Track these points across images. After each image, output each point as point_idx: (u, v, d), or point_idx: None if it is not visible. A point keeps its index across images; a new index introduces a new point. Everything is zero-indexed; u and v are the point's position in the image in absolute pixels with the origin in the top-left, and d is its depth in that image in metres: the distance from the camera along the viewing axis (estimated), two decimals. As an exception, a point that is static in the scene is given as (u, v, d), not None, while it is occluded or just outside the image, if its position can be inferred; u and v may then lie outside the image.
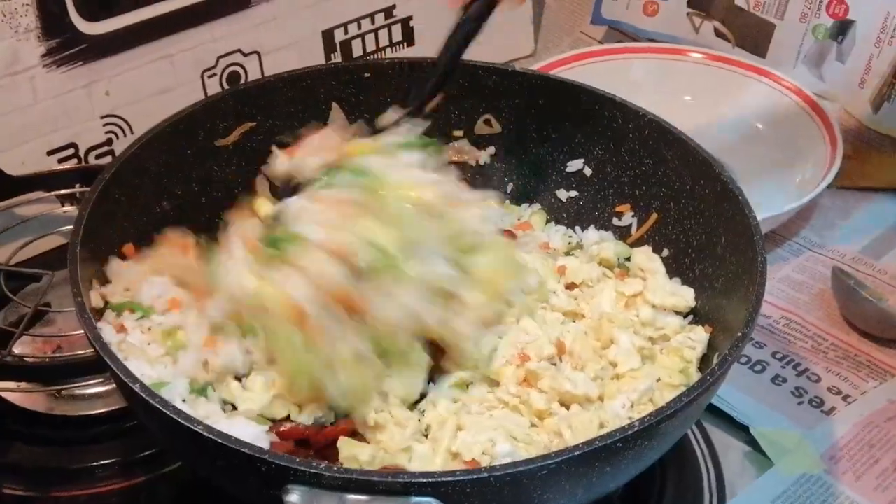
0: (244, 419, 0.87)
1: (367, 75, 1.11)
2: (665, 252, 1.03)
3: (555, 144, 1.10)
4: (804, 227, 1.31)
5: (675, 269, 1.02)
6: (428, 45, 1.47)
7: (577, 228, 1.10)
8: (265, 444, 0.84)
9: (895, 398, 1.08)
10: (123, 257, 0.97)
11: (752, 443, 1.03)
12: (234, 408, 0.90)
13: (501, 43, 1.52)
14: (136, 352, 0.89)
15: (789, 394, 1.09)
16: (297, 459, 0.74)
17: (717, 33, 1.51)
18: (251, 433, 0.84)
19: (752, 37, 1.49)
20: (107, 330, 0.90)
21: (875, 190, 1.36)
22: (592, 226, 1.09)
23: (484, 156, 1.13)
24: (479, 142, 1.13)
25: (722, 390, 1.03)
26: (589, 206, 1.10)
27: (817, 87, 1.42)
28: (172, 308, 0.93)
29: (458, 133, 1.13)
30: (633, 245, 1.05)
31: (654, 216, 1.04)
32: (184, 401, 0.87)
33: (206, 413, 0.86)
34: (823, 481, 0.99)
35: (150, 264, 0.97)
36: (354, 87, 1.11)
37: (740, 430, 1.05)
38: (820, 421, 1.06)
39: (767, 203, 1.16)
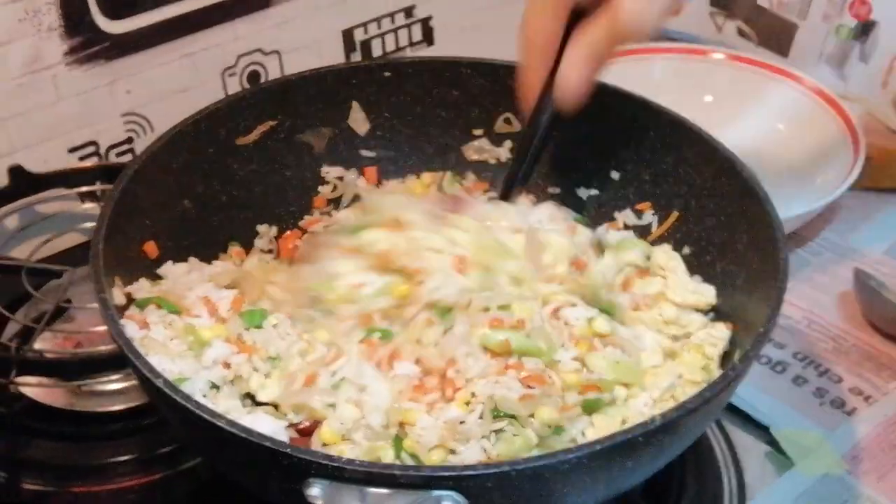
0: (263, 413, 0.87)
1: (387, 74, 1.11)
2: (686, 250, 1.03)
3: (575, 142, 1.09)
4: (826, 229, 1.30)
5: (696, 266, 1.01)
6: (447, 44, 1.47)
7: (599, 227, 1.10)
8: (285, 439, 0.84)
9: (918, 399, 1.07)
10: (145, 255, 0.98)
11: (773, 443, 1.03)
12: (255, 403, 0.90)
13: (521, 43, 1.51)
14: (158, 347, 0.89)
15: (810, 394, 1.08)
16: (319, 453, 0.74)
17: (740, 33, 1.51)
18: (271, 427, 0.84)
19: (775, 36, 1.49)
20: (129, 326, 0.90)
21: (897, 191, 1.35)
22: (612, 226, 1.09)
23: (504, 153, 1.12)
24: (499, 140, 1.13)
25: (743, 391, 1.03)
26: (609, 204, 1.09)
27: (839, 87, 1.42)
28: (232, 306, 0.94)
29: (478, 132, 1.13)
30: (653, 243, 1.05)
31: (675, 214, 1.04)
32: (204, 396, 0.87)
33: (227, 408, 0.86)
34: (845, 482, 0.99)
35: (208, 272, 0.99)
36: (375, 86, 1.11)
37: (761, 430, 1.04)
38: (841, 422, 1.05)
39: (789, 204, 1.15)
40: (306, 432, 0.88)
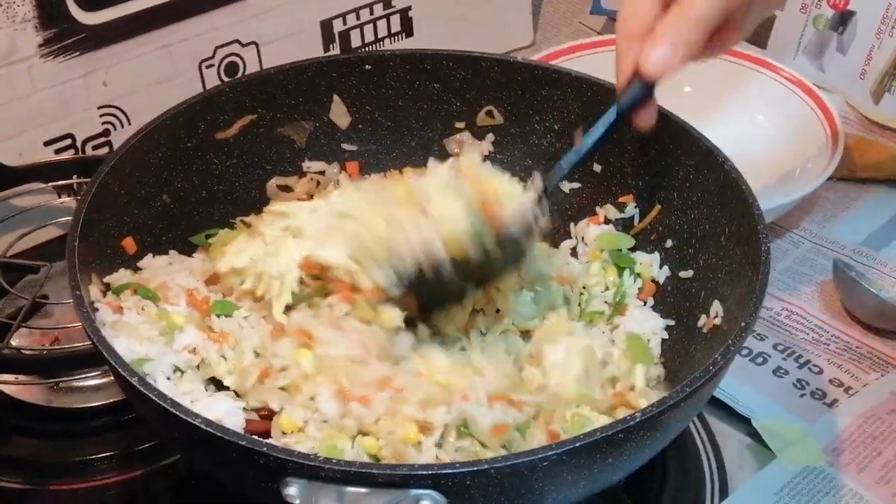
0: (223, 396, 0.87)
1: (368, 67, 1.10)
2: (668, 243, 1.02)
3: (557, 136, 1.09)
4: (805, 219, 1.30)
5: (678, 259, 1.01)
6: (426, 35, 1.46)
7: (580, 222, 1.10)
8: (241, 422, 0.84)
9: (897, 390, 1.07)
10: (123, 250, 0.97)
11: (754, 435, 1.03)
12: (221, 388, 0.90)
13: (500, 33, 1.51)
14: (128, 329, 0.89)
15: (791, 386, 1.09)
16: (296, 452, 0.73)
17: (718, 24, 1.51)
18: (227, 409, 0.85)
19: (753, 27, 1.48)
20: (103, 310, 0.90)
21: (876, 181, 1.35)
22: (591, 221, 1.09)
23: (486, 146, 1.12)
24: (481, 134, 1.12)
25: (723, 382, 1.02)
26: (592, 197, 1.09)
27: (818, 78, 1.42)
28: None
29: (460, 125, 1.12)
30: (636, 236, 1.05)
31: (658, 208, 1.04)
32: (168, 378, 0.87)
33: (188, 391, 0.86)
34: (826, 474, 0.99)
35: (188, 264, 0.99)
36: (356, 79, 1.10)
37: (742, 422, 1.05)
38: (822, 413, 1.05)
39: (768, 195, 1.15)
40: (268, 416, 0.89)
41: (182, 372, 0.89)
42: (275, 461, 0.72)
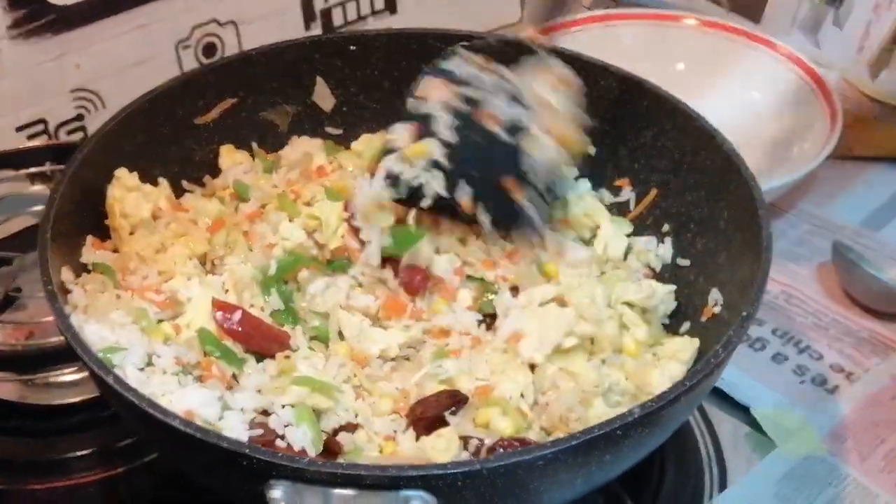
0: (197, 386, 0.84)
1: (352, 48, 1.07)
2: (666, 227, 1.00)
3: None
4: (802, 199, 1.27)
5: (676, 244, 0.99)
6: (410, 13, 1.42)
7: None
8: (216, 411, 0.81)
9: (899, 374, 1.05)
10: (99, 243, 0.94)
11: (753, 423, 1.01)
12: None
13: (487, 10, 1.48)
14: (98, 314, 0.86)
15: (791, 372, 1.06)
16: (281, 454, 0.71)
17: (711, -2, 1.48)
18: (199, 400, 0.81)
19: (746, 1, 1.45)
20: (76, 292, 0.88)
21: (874, 159, 1.32)
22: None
23: None
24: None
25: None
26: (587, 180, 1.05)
27: (813, 53, 1.38)
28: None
29: None
30: (632, 221, 1.02)
31: (654, 191, 1.01)
32: (141, 370, 0.84)
33: (161, 382, 0.83)
34: (828, 462, 0.97)
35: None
36: (340, 60, 1.07)
37: (740, 410, 1.02)
38: (823, 400, 1.03)
39: (765, 175, 1.12)
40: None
41: (154, 360, 0.86)
42: (258, 463, 0.69)
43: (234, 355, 0.86)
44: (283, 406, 0.82)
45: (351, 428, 0.83)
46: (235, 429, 0.79)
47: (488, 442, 0.81)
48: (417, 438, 0.83)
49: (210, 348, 0.86)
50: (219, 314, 0.88)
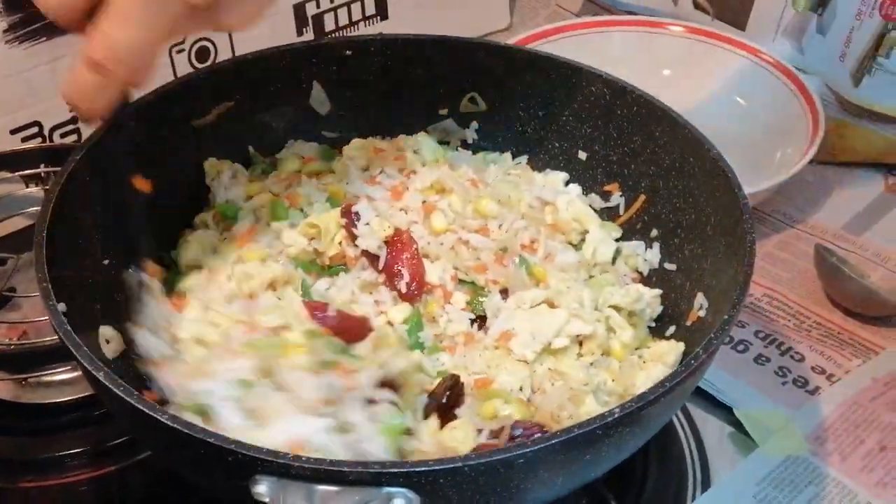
0: None
1: (348, 52, 1.08)
2: (654, 232, 1.01)
3: (542, 122, 1.07)
4: (785, 203, 1.29)
5: (664, 249, 1.00)
6: (401, 18, 1.43)
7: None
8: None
9: (879, 376, 1.06)
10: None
11: (736, 423, 1.02)
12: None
13: (476, 16, 1.49)
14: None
15: (773, 374, 1.08)
16: (265, 449, 0.71)
17: (696, 5, 1.49)
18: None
19: (732, 9, 1.47)
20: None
21: (855, 164, 1.34)
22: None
23: (469, 134, 1.10)
24: (465, 121, 1.10)
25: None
26: (577, 185, 1.07)
27: (797, 60, 1.40)
28: None
29: (443, 112, 1.10)
30: (621, 226, 1.03)
31: (643, 197, 1.02)
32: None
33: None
34: (809, 462, 0.98)
35: None
36: (336, 64, 1.08)
37: (724, 410, 1.03)
38: (805, 401, 1.04)
39: (748, 179, 1.13)
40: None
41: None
42: (243, 458, 0.70)
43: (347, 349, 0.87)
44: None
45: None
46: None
47: (506, 425, 0.83)
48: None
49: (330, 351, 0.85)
50: (316, 314, 0.87)
